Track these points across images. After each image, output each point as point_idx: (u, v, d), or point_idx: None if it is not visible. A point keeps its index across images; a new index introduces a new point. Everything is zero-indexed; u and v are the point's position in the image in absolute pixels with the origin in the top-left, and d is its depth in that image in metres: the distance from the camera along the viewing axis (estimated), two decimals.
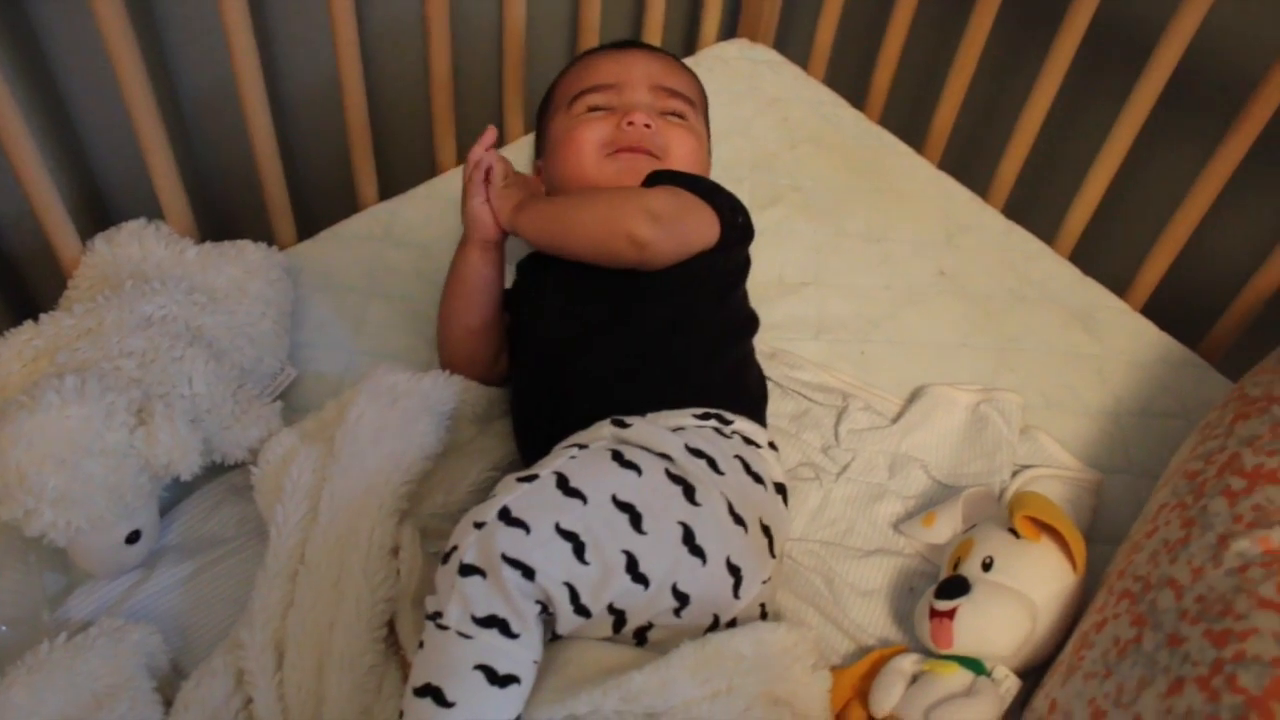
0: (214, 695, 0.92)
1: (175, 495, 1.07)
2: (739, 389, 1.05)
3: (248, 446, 1.05)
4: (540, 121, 1.26)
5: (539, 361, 1.06)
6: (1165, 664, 0.72)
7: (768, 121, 1.47)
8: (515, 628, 0.81)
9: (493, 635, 0.81)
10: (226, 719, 0.91)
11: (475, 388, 1.11)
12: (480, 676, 0.80)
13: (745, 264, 1.14)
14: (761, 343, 1.18)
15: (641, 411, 0.97)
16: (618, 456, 0.90)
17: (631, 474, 0.89)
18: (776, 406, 1.17)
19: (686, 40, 1.62)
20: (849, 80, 1.57)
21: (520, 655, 0.82)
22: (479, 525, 0.83)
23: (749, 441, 0.98)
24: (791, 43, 1.60)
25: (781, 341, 1.23)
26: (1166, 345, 1.28)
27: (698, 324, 1.05)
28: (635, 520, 0.86)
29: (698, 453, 0.93)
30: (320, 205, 1.40)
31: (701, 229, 1.06)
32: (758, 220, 1.15)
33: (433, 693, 0.80)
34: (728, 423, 0.98)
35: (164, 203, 1.18)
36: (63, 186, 1.19)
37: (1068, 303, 1.31)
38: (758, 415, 1.04)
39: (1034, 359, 1.25)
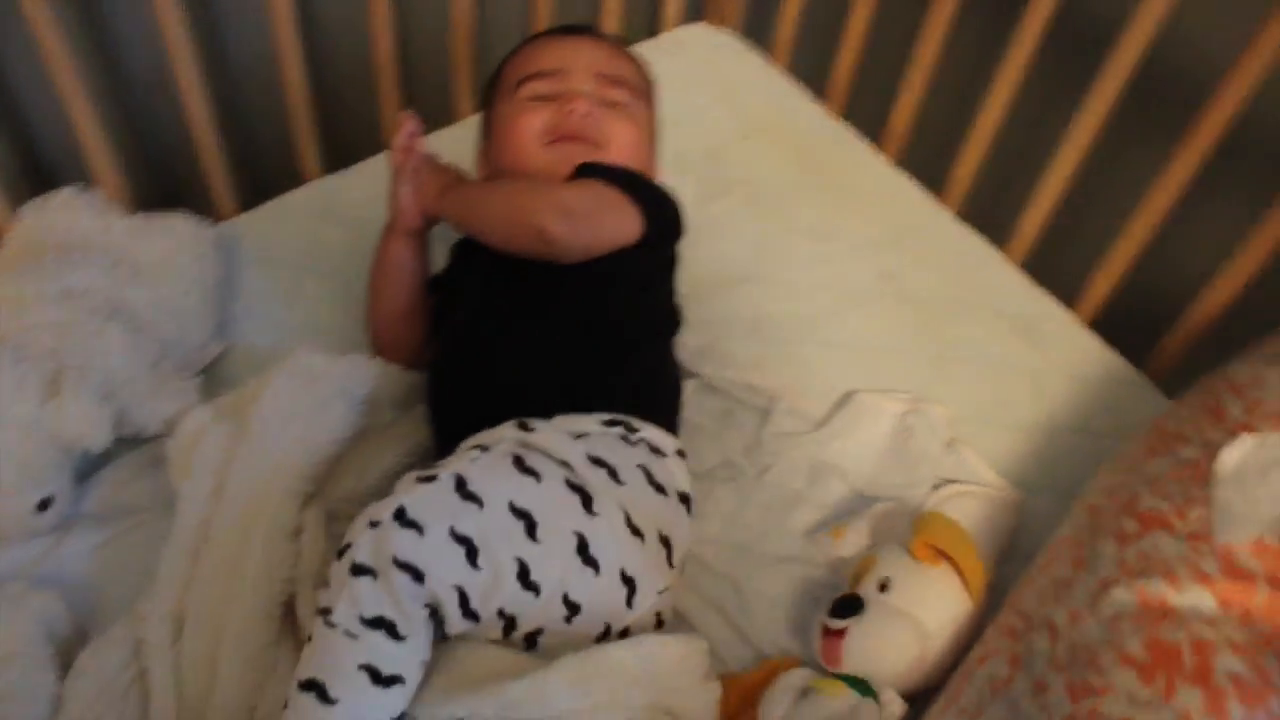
0: (109, 664, 0.93)
1: (96, 462, 1.07)
2: (651, 394, 1.04)
3: (163, 420, 1.05)
4: (485, 104, 1.24)
5: (453, 349, 1.06)
6: (1027, 711, 0.72)
7: (722, 111, 1.45)
8: (402, 630, 0.82)
9: (379, 637, 0.81)
10: (120, 688, 0.92)
11: (395, 372, 1.11)
12: (364, 676, 0.81)
13: (670, 261, 1.13)
14: (693, 337, 1.18)
15: (548, 413, 0.97)
16: (518, 462, 0.90)
17: (530, 480, 0.89)
18: (701, 403, 1.17)
19: (649, 22, 1.58)
20: (813, 71, 1.54)
21: (406, 657, 0.82)
22: (374, 524, 0.83)
23: (655, 450, 0.98)
24: (759, 29, 1.57)
25: (715, 337, 1.22)
26: (1110, 362, 1.27)
27: (613, 321, 1.04)
28: (530, 528, 0.86)
29: (599, 462, 0.92)
30: (270, 175, 1.39)
31: (620, 225, 1.05)
32: (702, 213, 1.14)
33: (317, 689, 0.81)
34: (634, 430, 0.97)
35: (95, 171, 1.17)
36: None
37: (1012, 312, 1.30)
38: (668, 421, 1.03)
39: (971, 369, 1.24)
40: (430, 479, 0.86)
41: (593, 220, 1.02)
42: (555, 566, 0.86)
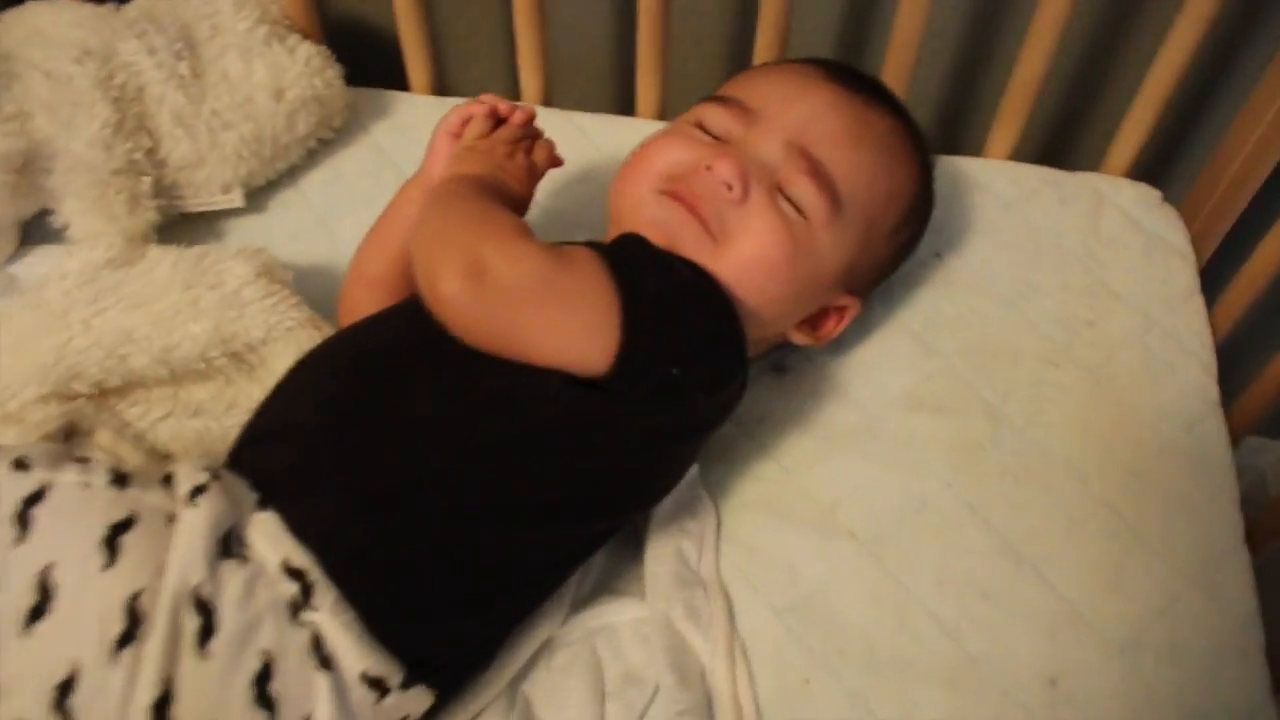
0: None
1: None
2: (411, 584, 0.65)
3: (84, 231, 0.88)
4: None
5: (326, 345, 0.77)
6: None
7: (1066, 314, 0.91)
8: None
9: None
10: None
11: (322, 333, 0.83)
12: None
13: (672, 429, 0.72)
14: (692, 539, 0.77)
15: (287, 500, 0.65)
16: (118, 530, 0.61)
17: (100, 558, 0.60)
18: (625, 646, 0.75)
19: (1088, 151, 1.07)
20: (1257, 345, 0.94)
21: None
22: None
23: (319, 652, 0.61)
24: (1243, 242, 0.98)
25: (736, 584, 0.78)
26: None
27: (493, 461, 0.67)
28: (37, 611, 0.58)
29: (203, 606, 0.59)
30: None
31: (560, 335, 0.67)
32: (897, 416, 0.83)
33: None
34: (309, 604, 0.61)
35: None
36: None
37: None
38: (406, 641, 0.64)
39: None
40: (24, 465, 0.63)
41: (514, 304, 0.66)
42: (20, 676, 0.57)
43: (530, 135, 0.82)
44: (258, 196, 0.97)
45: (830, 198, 0.76)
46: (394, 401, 0.68)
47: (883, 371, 0.87)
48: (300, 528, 0.63)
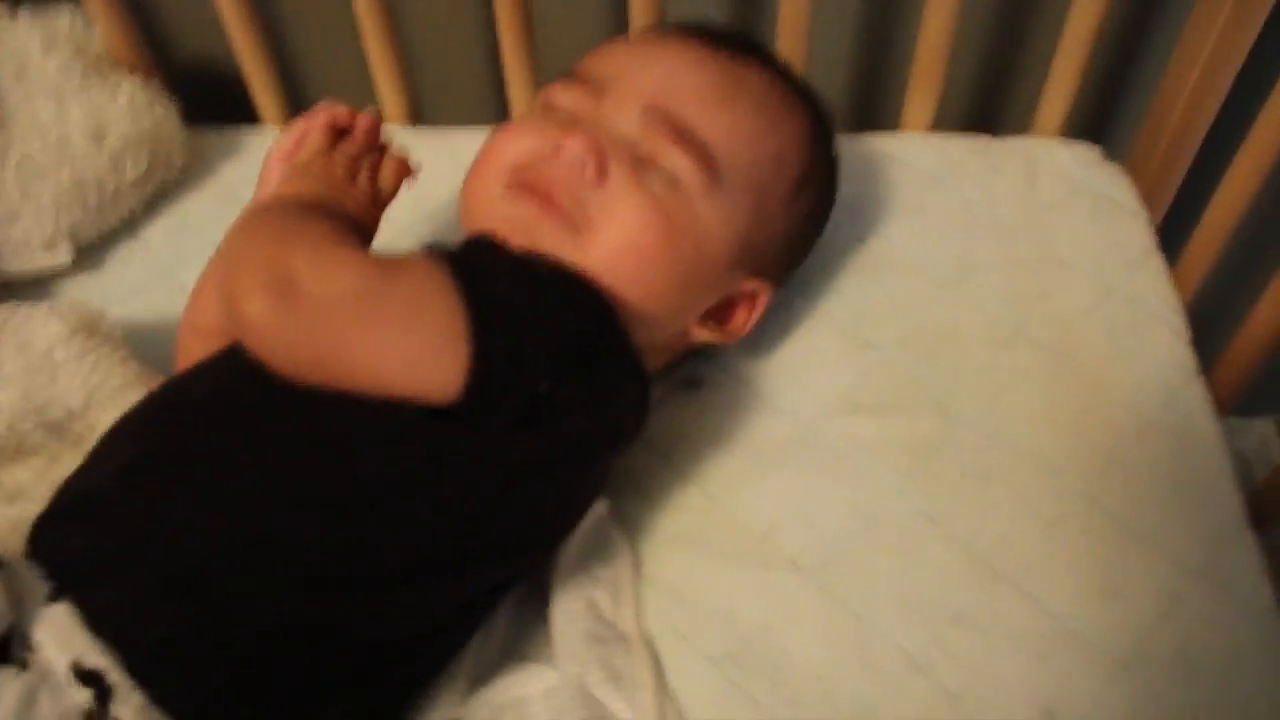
0: None
1: None
2: (239, 678, 0.53)
3: None
4: None
5: (126, 417, 0.63)
6: None
7: (1013, 289, 0.81)
8: None
9: None
10: None
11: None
12: None
13: (538, 468, 0.59)
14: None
15: (83, 587, 0.52)
16: None
17: None
18: None
19: (1017, 114, 0.98)
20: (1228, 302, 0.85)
21: None
22: None
23: None
24: (1196, 203, 0.89)
25: (663, 634, 0.66)
26: None
27: (324, 529, 0.55)
28: None
29: None
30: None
31: (397, 359, 0.55)
32: (833, 422, 0.72)
33: None
34: (106, 711, 0.49)
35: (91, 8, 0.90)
36: None
37: None
38: None
39: None
40: None
41: (333, 323, 0.55)
42: None
43: (376, 150, 0.71)
44: (92, 252, 0.86)
45: (704, 164, 0.65)
46: (207, 459, 0.56)
47: (811, 373, 0.76)
48: (97, 620, 0.51)
